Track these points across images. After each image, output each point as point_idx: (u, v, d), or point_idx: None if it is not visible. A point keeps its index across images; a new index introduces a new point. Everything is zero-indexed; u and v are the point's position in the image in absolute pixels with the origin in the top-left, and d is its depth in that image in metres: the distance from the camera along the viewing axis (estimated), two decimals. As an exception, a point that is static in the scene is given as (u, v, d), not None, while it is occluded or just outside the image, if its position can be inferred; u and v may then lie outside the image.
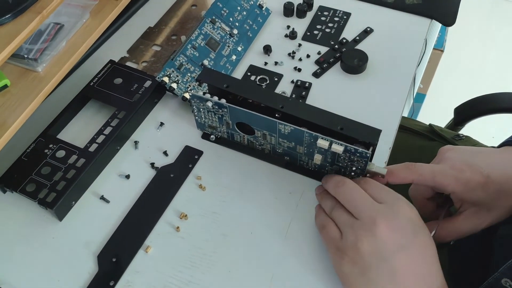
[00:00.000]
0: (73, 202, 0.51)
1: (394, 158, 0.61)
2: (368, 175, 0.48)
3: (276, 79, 0.63)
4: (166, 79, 0.57)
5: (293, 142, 0.50)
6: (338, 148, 0.45)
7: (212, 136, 0.57)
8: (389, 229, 0.41)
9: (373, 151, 0.47)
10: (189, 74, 0.59)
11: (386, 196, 0.44)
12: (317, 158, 0.49)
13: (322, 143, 0.46)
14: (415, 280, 0.41)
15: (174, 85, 0.57)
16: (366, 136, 0.45)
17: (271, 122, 0.49)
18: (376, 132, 0.46)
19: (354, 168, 0.48)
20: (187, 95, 0.58)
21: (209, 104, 0.51)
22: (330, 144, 0.46)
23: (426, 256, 0.42)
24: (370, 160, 0.47)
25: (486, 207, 0.49)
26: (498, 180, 0.48)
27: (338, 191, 0.46)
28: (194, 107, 0.54)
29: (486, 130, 1.16)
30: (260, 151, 0.55)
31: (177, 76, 0.58)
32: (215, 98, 0.50)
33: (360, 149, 0.45)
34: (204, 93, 0.51)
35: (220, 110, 0.51)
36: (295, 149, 0.51)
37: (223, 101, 0.50)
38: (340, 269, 0.44)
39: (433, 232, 0.50)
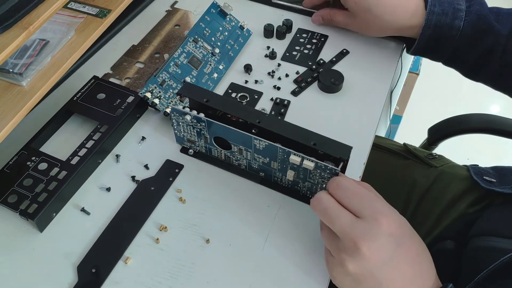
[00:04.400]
0: (54, 214, 0.52)
1: (369, 175, 0.63)
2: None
3: (256, 96, 0.65)
4: (148, 94, 0.58)
5: (267, 158, 0.52)
6: (309, 164, 0.47)
7: (190, 151, 0.58)
8: (371, 251, 0.41)
9: (344, 168, 0.48)
10: (171, 91, 0.61)
11: (365, 209, 0.42)
12: (290, 174, 0.51)
13: (294, 158, 0.48)
14: (403, 280, 0.42)
15: (156, 101, 0.59)
16: (338, 152, 0.47)
17: (246, 137, 0.50)
18: (347, 149, 0.47)
19: (324, 185, 0.49)
20: (168, 110, 0.59)
21: (188, 117, 0.52)
22: (302, 160, 0.48)
23: (411, 261, 0.43)
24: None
25: (354, 15, 0.68)
26: (378, 13, 0.64)
27: (317, 212, 0.45)
28: (173, 120, 0.55)
29: (459, 150, 1.20)
30: (236, 167, 0.56)
31: (160, 92, 0.60)
32: (194, 112, 0.52)
33: (330, 165, 0.46)
34: (184, 107, 0.53)
35: (199, 124, 0.53)
36: (269, 165, 0.53)
37: (202, 115, 0.52)
38: (332, 275, 0.45)
39: (320, 17, 0.74)
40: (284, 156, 0.50)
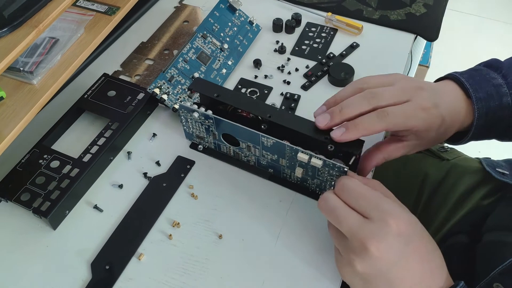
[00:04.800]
0: (67, 211, 0.52)
1: (381, 169, 0.62)
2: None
3: (266, 91, 0.64)
4: (157, 90, 0.58)
5: (275, 155, 0.51)
6: (317, 162, 0.46)
7: (200, 146, 0.58)
8: (380, 251, 0.40)
9: (356, 162, 0.48)
10: (179, 86, 0.61)
11: (372, 211, 0.42)
12: (298, 171, 0.50)
13: (302, 156, 0.47)
14: (412, 285, 0.42)
15: (165, 96, 0.59)
16: (350, 146, 0.46)
17: (254, 134, 0.50)
18: (359, 143, 0.47)
19: (333, 183, 0.49)
20: (177, 106, 0.59)
21: (196, 114, 0.52)
22: (310, 158, 0.47)
23: (421, 259, 0.42)
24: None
25: (426, 143, 0.51)
26: (448, 123, 0.50)
27: (324, 212, 0.44)
28: (182, 117, 0.55)
29: (470, 143, 1.18)
30: (245, 163, 0.56)
31: (168, 88, 0.60)
32: (202, 109, 0.52)
33: (338, 164, 0.45)
34: (191, 104, 0.52)
35: (207, 121, 0.53)
36: (278, 162, 0.52)
37: (209, 112, 0.51)
38: (341, 274, 0.45)
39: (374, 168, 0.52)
40: (292, 153, 0.49)
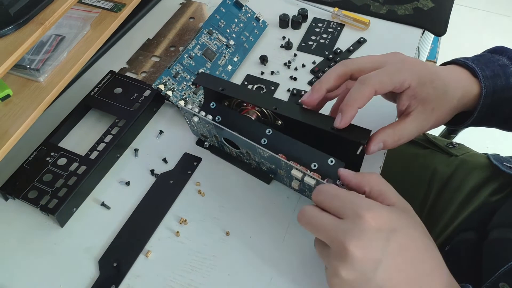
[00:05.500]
0: (74, 209, 0.52)
1: (390, 165, 0.62)
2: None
3: (272, 87, 0.64)
4: (162, 86, 0.58)
5: (273, 165, 0.50)
6: (310, 181, 0.45)
7: (206, 143, 0.58)
8: (359, 249, 0.37)
9: (363, 152, 0.47)
10: (184, 83, 0.60)
11: (347, 209, 0.39)
12: (295, 184, 0.49)
13: (296, 173, 0.46)
14: (407, 282, 0.39)
15: (170, 93, 0.59)
16: (357, 136, 0.46)
17: (251, 145, 0.49)
18: (366, 132, 0.46)
19: None
20: (182, 103, 0.59)
21: (195, 119, 0.52)
22: (303, 176, 0.46)
23: (413, 259, 0.39)
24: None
25: (431, 105, 0.49)
26: (443, 79, 0.49)
27: (302, 224, 0.42)
28: (185, 117, 0.55)
29: (479, 138, 1.18)
30: (247, 165, 0.56)
31: (173, 84, 0.59)
32: (202, 113, 0.51)
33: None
34: (193, 107, 0.52)
35: (207, 125, 0.52)
36: (276, 171, 0.51)
37: (209, 117, 0.50)
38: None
39: (381, 144, 0.48)
40: (287, 168, 0.48)
